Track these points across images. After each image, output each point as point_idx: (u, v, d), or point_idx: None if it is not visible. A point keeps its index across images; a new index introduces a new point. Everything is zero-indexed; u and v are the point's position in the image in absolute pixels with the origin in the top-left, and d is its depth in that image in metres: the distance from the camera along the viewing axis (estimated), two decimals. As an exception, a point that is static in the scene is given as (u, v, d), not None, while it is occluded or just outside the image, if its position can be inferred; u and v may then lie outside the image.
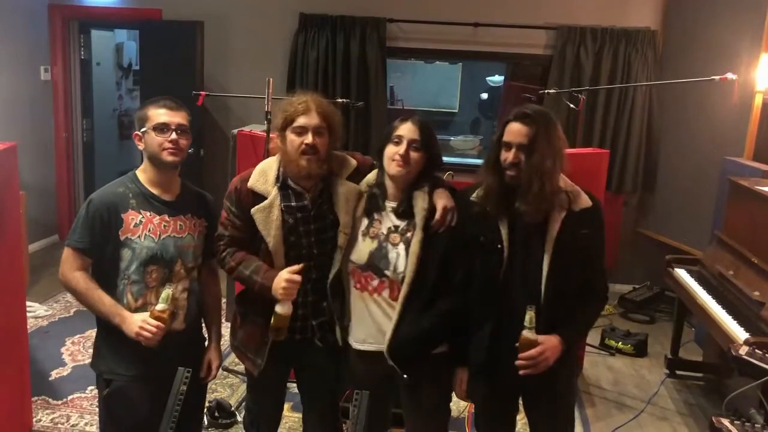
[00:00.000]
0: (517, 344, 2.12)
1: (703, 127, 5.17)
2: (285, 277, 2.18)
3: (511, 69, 7.15)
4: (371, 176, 2.36)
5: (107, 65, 7.75)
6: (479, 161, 7.04)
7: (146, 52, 6.17)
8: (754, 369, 2.15)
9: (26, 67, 6.04)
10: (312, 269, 2.33)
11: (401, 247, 2.23)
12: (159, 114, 2.24)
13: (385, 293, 2.26)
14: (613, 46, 5.53)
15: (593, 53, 5.55)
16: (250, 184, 2.31)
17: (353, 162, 2.39)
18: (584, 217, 2.21)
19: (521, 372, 2.13)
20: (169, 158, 2.24)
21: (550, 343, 2.15)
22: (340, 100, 4.47)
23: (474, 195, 2.30)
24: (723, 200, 4.09)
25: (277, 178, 2.31)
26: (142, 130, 2.26)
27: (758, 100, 4.52)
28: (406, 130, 2.21)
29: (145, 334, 2.12)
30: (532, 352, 2.11)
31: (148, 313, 2.16)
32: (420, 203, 2.23)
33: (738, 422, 1.93)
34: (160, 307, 2.14)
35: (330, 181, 2.34)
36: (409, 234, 2.23)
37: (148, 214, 2.25)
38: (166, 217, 2.28)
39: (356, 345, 2.34)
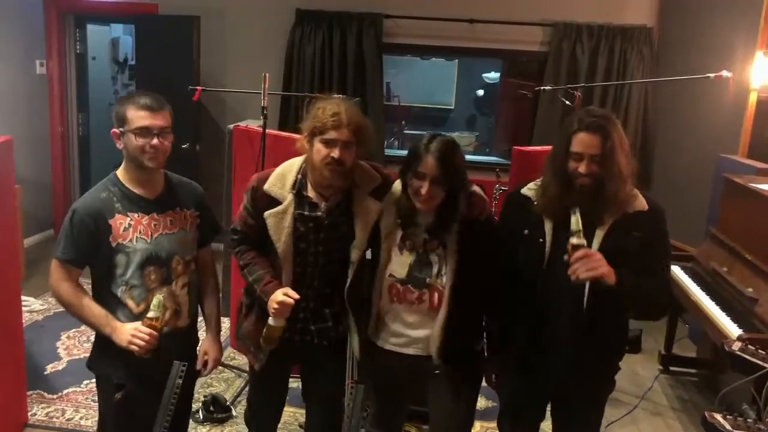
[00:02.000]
0: (565, 255, 2.06)
1: (698, 124, 5.18)
2: (278, 299, 2.18)
3: (507, 65, 7.15)
4: (397, 189, 2.29)
5: (103, 60, 7.72)
6: (476, 157, 7.07)
7: (142, 47, 6.15)
8: (746, 364, 2.16)
9: (21, 60, 6.01)
10: (315, 276, 2.33)
11: (440, 250, 2.23)
12: (140, 117, 2.14)
13: (423, 305, 2.25)
14: (609, 43, 5.53)
15: (589, 50, 5.55)
16: (266, 187, 2.28)
17: (377, 177, 2.35)
18: (637, 219, 2.17)
19: (573, 277, 2.03)
20: (151, 164, 2.18)
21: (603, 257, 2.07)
22: (336, 96, 4.46)
23: (525, 188, 2.29)
24: (717, 197, 4.11)
25: (294, 184, 2.28)
26: (121, 130, 2.17)
27: (753, 98, 4.54)
28: (428, 166, 2.12)
29: (138, 342, 2.07)
30: (584, 251, 2.04)
31: (139, 323, 2.11)
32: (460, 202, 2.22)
33: (730, 417, 1.94)
34: (151, 314, 2.10)
35: (351, 193, 2.30)
36: (444, 236, 2.22)
37: (136, 215, 2.20)
38: (155, 216, 2.23)
39: (387, 346, 2.34)
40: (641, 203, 2.21)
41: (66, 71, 6.50)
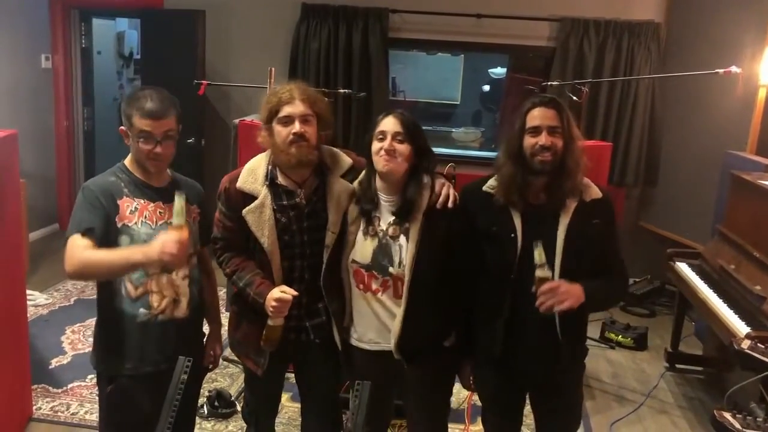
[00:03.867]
0: (533, 288, 2.08)
1: (705, 120, 5.15)
2: (275, 296, 2.16)
3: (514, 61, 7.11)
4: (362, 174, 2.31)
5: (108, 54, 7.71)
6: (481, 153, 7.05)
7: (147, 41, 6.15)
8: (755, 363, 2.16)
9: (27, 55, 6.01)
10: (305, 269, 2.30)
11: (402, 239, 2.21)
12: (144, 124, 2.12)
13: (388, 293, 2.24)
14: (617, 38, 5.50)
15: (596, 45, 5.52)
16: (238, 184, 2.27)
17: (348, 160, 2.34)
18: (595, 207, 2.23)
19: (542, 308, 2.06)
20: (153, 169, 2.20)
21: (569, 283, 2.11)
22: (341, 91, 4.45)
23: (486, 186, 2.29)
24: (725, 194, 4.08)
25: (267, 176, 2.27)
26: (130, 132, 2.17)
27: (762, 94, 4.50)
28: (388, 124, 2.18)
29: (169, 249, 1.95)
30: (549, 284, 2.07)
31: (163, 236, 2.02)
32: (424, 192, 2.21)
33: (740, 416, 1.93)
34: (175, 221, 2.02)
35: (324, 178, 2.29)
36: (407, 225, 2.21)
37: (142, 201, 2.20)
38: (161, 204, 2.23)
39: (362, 345, 2.33)
40: (596, 191, 2.26)
41: (71, 65, 6.50)
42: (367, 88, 5.67)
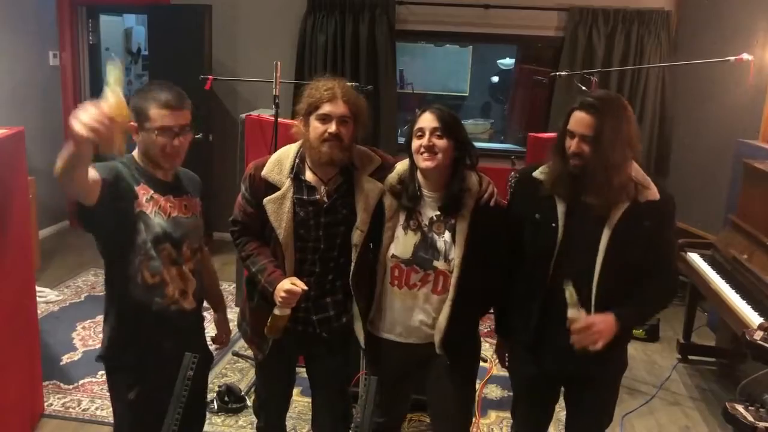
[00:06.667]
0: (568, 326, 2.08)
1: (717, 109, 5.10)
2: (285, 287, 2.17)
3: (522, 52, 7.07)
4: (400, 169, 2.30)
5: (116, 50, 7.72)
6: (491, 145, 7.02)
7: (154, 37, 6.14)
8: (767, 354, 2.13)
9: (35, 52, 6.03)
10: (316, 263, 2.31)
11: (447, 234, 2.21)
12: (162, 116, 2.08)
13: (427, 288, 2.24)
14: (626, 27, 5.44)
15: (605, 35, 5.47)
16: (264, 173, 2.27)
17: (377, 159, 2.34)
18: (649, 209, 2.13)
19: (577, 346, 2.06)
20: (167, 165, 2.17)
21: (602, 318, 2.08)
22: (349, 84, 4.43)
23: (537, 172, 2.27)
24: (737, 183, 4.04)
25: (292, 168, 2.27)
26: (143, 126, 2.10)
27: (774, 82, 4.45)
28: (425, 120, 2.17)
29: (86, 122, 1.63)
30: (580, 324, 2.05)
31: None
32: (472, 190, 2.21)
33: (752, 408, 1.90)
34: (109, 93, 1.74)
35: (351, 175, 2.29)
36: (453, 221, 2.20)
37: (154, 193, 2.19)
38: (171, 198, 2.22)
39: (390, 336, 2.33)
40: (653, 193, 2.16)
41: (79, 62, 6.50)
42: (375, 80, 5.64)
